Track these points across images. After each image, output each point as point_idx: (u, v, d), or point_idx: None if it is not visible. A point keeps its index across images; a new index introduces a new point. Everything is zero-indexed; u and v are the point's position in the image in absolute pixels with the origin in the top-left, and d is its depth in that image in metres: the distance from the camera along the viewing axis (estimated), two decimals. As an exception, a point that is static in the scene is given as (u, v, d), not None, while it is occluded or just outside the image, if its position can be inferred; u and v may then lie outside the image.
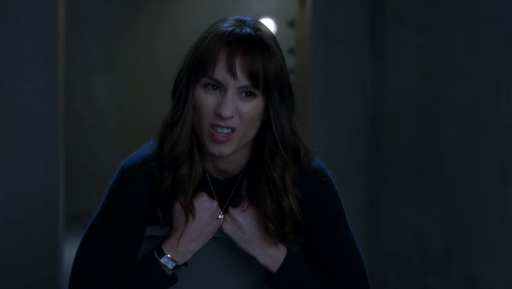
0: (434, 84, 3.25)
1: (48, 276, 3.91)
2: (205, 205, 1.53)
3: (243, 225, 1.53)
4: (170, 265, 1.54)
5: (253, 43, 1.45)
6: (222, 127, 1.45)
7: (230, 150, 1.47)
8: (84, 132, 7.62)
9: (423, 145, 3.36)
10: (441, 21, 3.20)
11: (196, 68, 1.47)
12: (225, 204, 1.57)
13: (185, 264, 1.56)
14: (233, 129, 1.46)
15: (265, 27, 1.51)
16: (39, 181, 3.87)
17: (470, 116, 2.89)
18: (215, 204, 1.54)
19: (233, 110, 1.44)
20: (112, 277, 1.54)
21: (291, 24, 5.28)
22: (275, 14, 7.85)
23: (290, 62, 5.43)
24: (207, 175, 1.56)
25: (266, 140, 1.50)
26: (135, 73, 7.65)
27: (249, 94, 1.46)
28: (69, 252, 3.61)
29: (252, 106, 1.46)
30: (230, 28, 1.47)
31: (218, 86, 1.46)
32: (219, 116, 1.44)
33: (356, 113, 4.11)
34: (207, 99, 1.46)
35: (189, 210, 1.52)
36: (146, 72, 7.53)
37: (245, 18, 1.51)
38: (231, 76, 1.44)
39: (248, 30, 1.47)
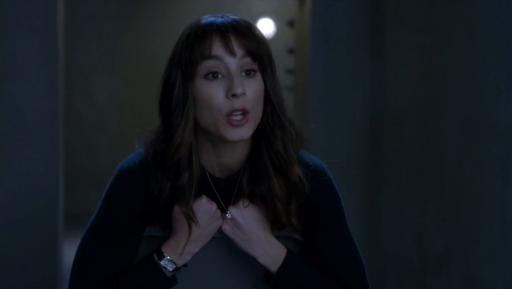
0: (434, 84, 3.25)
1: (47, 276, 3.91)
2: (204, 207, 1.53)
3: (243, 225, 1.53)
4: (170, 267, 1.53)
5: (241, 26, 1.48)
6: (238, 110, 1.45)
7: (249, 133, 1.47)
8: (84, 133, 7.63)
9: (423, 145, 3.36)
10: (441, 21, 3.20)
11: (191, 59, 1.46)
12: (230, 203, 1.56)
13: (185, 265, 1.56)
14: (246, 111, 1.46)
15: None
16: (39, 181, 3.87)
17: (470, 116, 2.89)
18: (214, 206, 1.53)
19: (243, 88, 1.45)
20: (112, 277, 1.54)
21: (291, 24, 5.28)
22: (274, 14, 7.85)
23: (290, 62, 5.43)
24: (208, 175, 1.56)
25: (264, 116, 1.51)
26: (135, 73, 7.66)
27: (249, 72, 1.47)
28: (69, 252, 3.61)
29: (256, 85, 1.48)
30: (213, 18, 1.49)
31: (218, 71, 1.46)
32: (233, 97, 1.44)
33: (356, 113, 4.11)
34: (214, 88, 1.46)
35: (191, 218, 1.51)
36: (146, 72, 7.53)
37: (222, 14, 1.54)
38: (230, 54, 1.45)
39: (231, 17, 1.50)
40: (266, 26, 7.85)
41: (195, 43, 1.46)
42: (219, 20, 1.48)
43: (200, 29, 1.47)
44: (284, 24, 6.57)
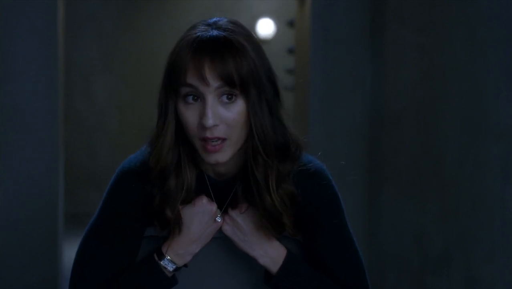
0: (434, 84, 3.25)
1: (48, 276, 3.91)
2: (204, 208, 1.53)
3: (243, 226, 1.53)
4: (170, 267, 1.53)
5: (220, 45, 1.42)
6: (211, 139, 1.43)
7: (226, 157, 1.46)
8: (84, 133, 7.63)
9: (423, 145, 3.36)
10: (441, 21, 3.20)
11: (172, 80, 1.45)
12: (224, 205, 1.57)
13: (185, 265, 1.56)
14: (223, 139, 1.44)
15: (238, 25, 1.48)
16: (39, 181, 3.87)
17: (470, 116, 2.89)
18: (214, 206, 1.53)
19: (216, 119, 1.42)
20: (112, 278, 1.54)
21: (291, 24, 5.29)
22: (274, 14, 7.86)
23: (290, 62, 5.43)
24: (206, 177, 1.56)
25: (249, 140, 1.48)
26: (135, 73, 7.66)
27: (230, 97, 1.43)
28: (69, 252, 3.61)
29: (236, 111, 1.44)
30: (195, 35, 1.44)
31: (198, 96, 1.44)
32: (204, 128, 1.42)
33: (356, 113, 4.11)
34: (189, 113, 1.44)
35: (176, 223, 1.51)
36: (146, 72, 7.54)
37: (216, 19, 1.49)
38: (203, 83, 1.41)
39: (214, 33, 1.44)
40: (266, 26, 7.85)
41: (174, 66, 1.44)
42: (201, 37, 1.43)
43: (180, 49, 1.44)
44: (284, 24, 6.57)
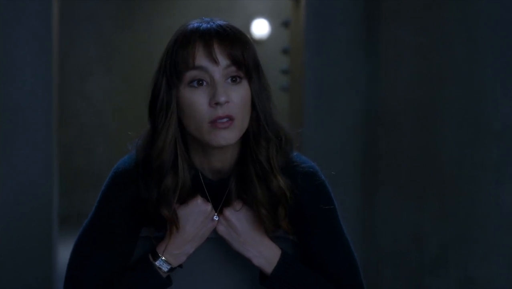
0: (432, 85, 3.24)
1: (43, 277, 3.90)
2: (199, 208, 1.53)
3: (237, 226, 1.53)
4: (165, 268, 1.53)
5: (227, 31, 1.47)
6: (222, 117, 1.44)
7: (234, 138, 1.46)
8: (82, 133, 7.63)
9: (421, 145, 3.36)
10: (439, 20, 3.20)
11: (176, 68, 1.46)
12: (219, 205, 1.56)
13: (180, 266, 1.56)
14: (231, 118, 1.45)
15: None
16: (34, 182, 3.86)
17: (468, 116, 2.89)
18: (209, 206, 1.53)
19: (227, 95, 1.44)
20: (107, 279, 1.54)
21: (286, 24, 5.28)
22: (269, 14, 7.86)
23: (285, 62, 5.43)
24: (201, 176, 1.56)
25: (249, 123, 1.50)
26: (133, 73, 7.65)
27: (235, 79, 1.47)
28: (64, 252, 3.60)
29: (243, 92, 1.47)
30: (198, 24, 1.49)
31: (203, 79, 1.45)
32: (216, 105, 1.43)
33: (352, 113, 4.11)
34: (197, 96, 1.45)
35: (173, 222, 1.51)
36: (144, 73, 7.51)
37: (210, 18, 1.53)
38: (213, 63, 1.44)
39: (218, 22, 1.49)
40: (261, 27, 7.85)
41: (179, 52, 1.46)
42: (204, 26, 1.47)
43: (184, 36, 1.47)
44: (279, 24, 6.57)
